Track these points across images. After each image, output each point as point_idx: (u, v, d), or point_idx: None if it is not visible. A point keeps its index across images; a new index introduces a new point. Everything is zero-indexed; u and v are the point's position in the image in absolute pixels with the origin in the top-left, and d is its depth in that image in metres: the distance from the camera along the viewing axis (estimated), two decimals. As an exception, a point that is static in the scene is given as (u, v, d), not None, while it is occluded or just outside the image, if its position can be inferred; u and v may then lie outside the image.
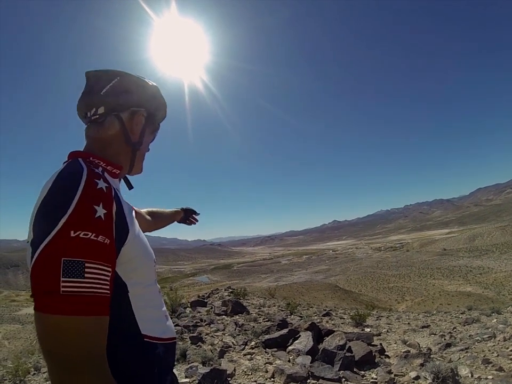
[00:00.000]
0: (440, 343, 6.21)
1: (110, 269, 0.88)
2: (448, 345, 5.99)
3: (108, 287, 0.86)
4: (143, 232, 1.61)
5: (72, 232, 0.81)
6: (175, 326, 6.82)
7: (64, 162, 1.04)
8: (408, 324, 9.21)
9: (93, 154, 1.09)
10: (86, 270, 0.81)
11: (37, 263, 0.80)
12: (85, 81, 1.18)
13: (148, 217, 1.75)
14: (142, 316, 1.02)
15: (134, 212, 1.37)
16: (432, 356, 5.22)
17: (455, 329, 7.80)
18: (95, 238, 0.84)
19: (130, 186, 1.34)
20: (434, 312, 12.28)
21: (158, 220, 1.84)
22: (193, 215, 2.12)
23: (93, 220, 0.85)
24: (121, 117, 1.15)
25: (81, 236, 0.82)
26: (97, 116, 1.13)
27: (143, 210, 1.75)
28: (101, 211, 0.87)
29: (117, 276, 0.94)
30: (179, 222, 2.07)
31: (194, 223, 2.16)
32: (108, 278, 0.87)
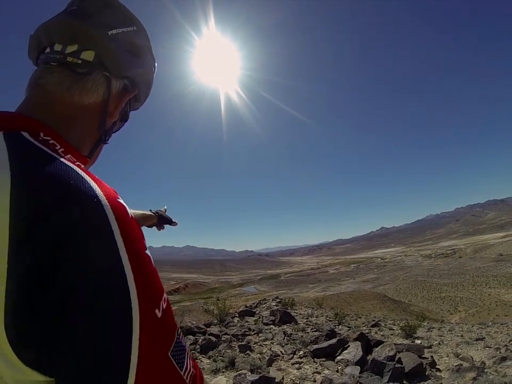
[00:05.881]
0: (495, 357, 5.93)
1: None
2: (504, 358, 5.71)
3: None
4: None
5: None
6: (223, 334, 7.03)
7: None
8: (461, 336, 8.82)
9: (46, 126, 0.60)
10: None
11: None
12: None
13: None
14: None
15: None
16: (486, 370, 5.01)
17: (511, 342, 7.40)
18: None
19: None
20: (490, 323, 11.67)
21: None
22: (167, 224, 1.56)
23: None
24: (112, 84, 0.71)
25: None
26: (79, 61, 0.67)
27: None
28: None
29: None
30: (148, 226, 1.47)
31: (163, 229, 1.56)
32: None
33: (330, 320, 10.48)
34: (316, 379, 4.72)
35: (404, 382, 4.61)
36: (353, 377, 4.54)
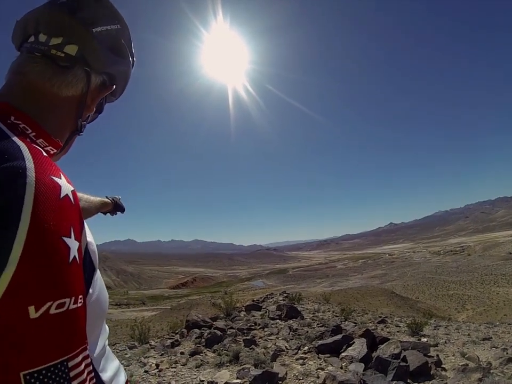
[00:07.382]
0: (501, 357, 5.84)
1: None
2: (510, 359, 5.62)
3: None
4: None
5: None
6: (229, 328, 7.06)
7: None
8: (468, 335, 8.73)
9: (18, 111, 0.63)
10: None
11: None
12: None
13: None
14: None
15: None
16: (492, 371, 4.93)
17: (518, 343, 7.31)
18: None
19: None
20: (498, 323, 11.54)
21: (84, 209, 1.17)
22: (119, 211, 1.60)
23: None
24: (91, 79, 0.75)
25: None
26: (62, 54, 0.69)
27: None
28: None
29: None
30: (103, 213, 1.48)
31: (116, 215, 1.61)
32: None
33: (336, 316, 10.46)
34: (320, 375, 4.72)
35: (408, 381, 4.57)
36: (357, 374, 4.52)
